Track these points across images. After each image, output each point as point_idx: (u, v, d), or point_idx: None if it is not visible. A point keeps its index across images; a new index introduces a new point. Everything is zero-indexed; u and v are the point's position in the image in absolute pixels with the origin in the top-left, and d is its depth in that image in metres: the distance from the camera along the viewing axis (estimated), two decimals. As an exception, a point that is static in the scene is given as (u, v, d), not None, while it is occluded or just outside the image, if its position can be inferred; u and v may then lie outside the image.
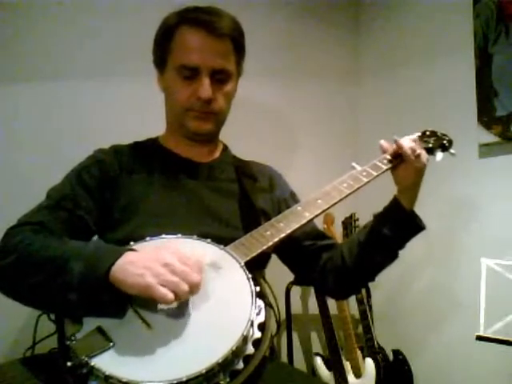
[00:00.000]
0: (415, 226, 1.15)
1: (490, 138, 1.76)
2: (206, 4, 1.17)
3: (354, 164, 1.15)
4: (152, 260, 0.84)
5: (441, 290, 1.94)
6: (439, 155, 1.25)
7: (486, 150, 1.81)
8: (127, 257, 0.86)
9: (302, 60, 2.27)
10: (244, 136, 1.23)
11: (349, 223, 2.05)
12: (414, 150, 1.12)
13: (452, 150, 1.27)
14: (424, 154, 1.14)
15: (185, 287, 0.81)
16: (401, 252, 1.17)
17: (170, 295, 0.80)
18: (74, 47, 1.74)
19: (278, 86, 2.15)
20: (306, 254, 1.24)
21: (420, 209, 1.17)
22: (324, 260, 1.22)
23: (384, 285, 2.08)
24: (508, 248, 1.62)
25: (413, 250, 1.19)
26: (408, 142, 1.14)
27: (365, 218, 1.26)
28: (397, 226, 1.13)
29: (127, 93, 1.78)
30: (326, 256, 1.22)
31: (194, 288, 0.83)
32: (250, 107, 1.21)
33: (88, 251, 0.90)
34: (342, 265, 1.17)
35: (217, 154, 1.27)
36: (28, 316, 1.12)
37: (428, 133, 1.28)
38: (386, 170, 1.15)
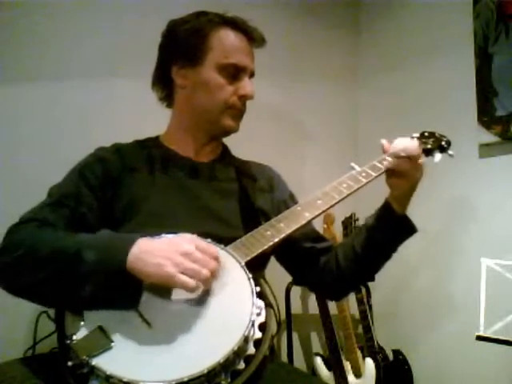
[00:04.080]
0: (408, 230, 1.16)
1: (490, 137, 1.77)
2: (210, 3, 1.20)
3: (352, 164, 1.15)
4: (170, 250, 0.85)
5: (441, 289, 1.94)
6: (437, 156, 1.24)
7: (485, 150, 1.81)
8: (141, 245, 0.86)
9: (302, 60, 2.28)
10: (243, 136, 1.23)
11: (349, 223, 2.05)
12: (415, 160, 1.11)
13: (450, 152, 1.26)
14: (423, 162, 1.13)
15: (206, 273, 0.83)
16: (401, 251, 1.18)
17: (192, 282, 0.82)
18: (73, 47, 1.74)
19: (278, 86, 2.15)
20: (304, 256, 1.25)
21: (420, 208, 1.17)
22: (322, 263, 1.24)
23: (384, 285, 2.08)
24: (508, 248, 1.62)
25: (413, 249, 1.19)
26: (413, 149, 1.12)
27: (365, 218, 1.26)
28: (390, 231, 1.14)
29: (127, 93, 1.78)
30: (324, 259, 1.24)
31: (214, 274, 0.86)
32: (249, 107, 1.21)
33: (100, 241, 0.91)
34: (337, 268, 1.19)
35: (217, 154, 1.27)
36: (28, 315, 1.12)
37: (426, 134, 1.27)
38: (386, 171, 1.14)
